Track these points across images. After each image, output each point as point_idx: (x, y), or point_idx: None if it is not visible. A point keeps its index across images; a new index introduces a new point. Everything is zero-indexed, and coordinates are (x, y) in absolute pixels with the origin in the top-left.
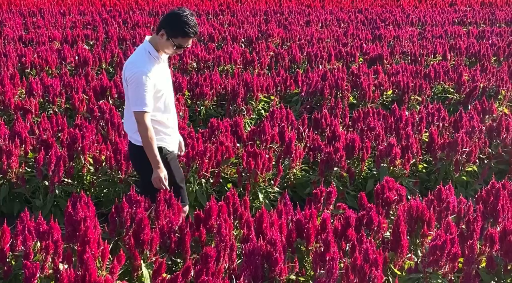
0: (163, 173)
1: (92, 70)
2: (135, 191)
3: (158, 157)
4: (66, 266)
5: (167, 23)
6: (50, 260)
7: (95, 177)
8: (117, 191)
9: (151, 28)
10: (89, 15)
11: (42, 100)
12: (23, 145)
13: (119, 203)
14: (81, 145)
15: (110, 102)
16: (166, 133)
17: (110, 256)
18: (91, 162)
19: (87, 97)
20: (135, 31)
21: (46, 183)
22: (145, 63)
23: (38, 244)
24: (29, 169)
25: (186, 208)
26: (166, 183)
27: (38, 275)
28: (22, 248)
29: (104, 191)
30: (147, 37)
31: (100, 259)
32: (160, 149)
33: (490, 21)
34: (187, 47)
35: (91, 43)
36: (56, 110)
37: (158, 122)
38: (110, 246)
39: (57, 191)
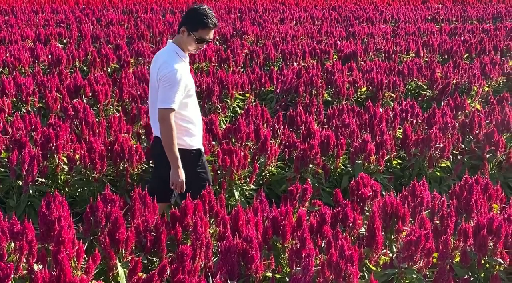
0: (184, 175)
1: (65, 68)
2: (148, 188)
3: (179, 157)
4: (40, 267)
5: (186, 19)
6: (25, 261)
7: (69, 176)
8: (92, 191)
9: (125, 26)
10: (62, 13)
11: (15, 99)
12: None
13: (94, 203)
14: (55, 144)
15: (84, 100)
16: (199, 133)
17: (85, 255)
18: (65, 161)
19: (61, 96)
20: (109, 29)
21: (20, 183)
22: (177, 63)
23: (12, 244)
24: (2, 169)
25: None
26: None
27: (12, 276)
28: None
29: (79, 190)
30: (169, 40)
31: (75, 259)
32: (199, 151)
33: (462, 18)
34: (209, 40)
35: (65, 41)
36: (29, 109)
37: (190, 122)
38: (85, 246)
39: (31, 191)
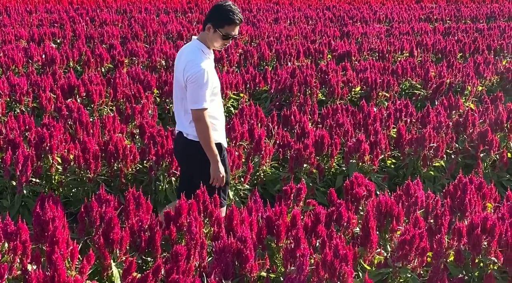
0: (223, 169)
1: (59, 68)
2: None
3: (217, 153)
4: (34, 267)
5: (212, 16)
6: (18, 261)
7: (63, 176)
8: (86, 191)
9: (119, 26)
10: (56, 13)
11: (8, 99)
12: None
13: (88, 203)
14: (49, 144)
15: (78, 100)
16: (221, 128)
17: (79, 256)
18: (59, 161)
19: (55, 96)
20: (102, 29)
21: (14, 183)
22: (203, 62)
23: (6, 245)
24: None
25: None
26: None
27: (6, 277)
28: None
29: (73, 190)
30: (194, 37)
31: (69, 259)
32: (220, 145)
33: (455, 18)
34: (234, 36)
35: (58, 41)
36: (23, 109)
37: (215, 118)
38: (80, 246)
39: (25, 191)
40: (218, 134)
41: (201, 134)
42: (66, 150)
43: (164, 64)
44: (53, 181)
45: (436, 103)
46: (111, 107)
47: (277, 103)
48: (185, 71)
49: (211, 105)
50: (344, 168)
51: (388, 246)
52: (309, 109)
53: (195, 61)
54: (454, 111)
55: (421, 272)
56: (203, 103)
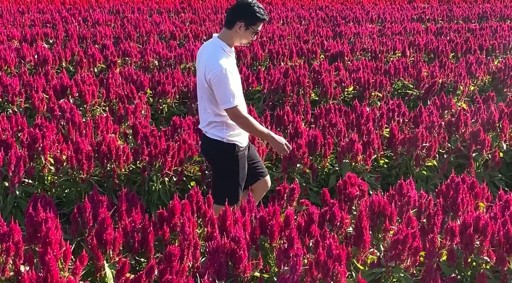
0: (283, 140)
1: (52, 69)
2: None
3: (269, 131)
4: (27, 268)
5: (242, 14)
6: (11, 262)
7: (56, 177)
8: (79, 191)
9: (111, 26)
10: (49, 13)
11: (1, 99)
12: None
13: (81, 203)
14: (41, 145)
15: (71, 101)
16: (239, 128)
17: (72, 257)
18: (52, 162)
19: (47, 96)
20: (95, 29)
21: (6, 184)
22: (223, 60)
23: None
24: None
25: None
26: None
27: None
28: None
29: (66, 191)
30: (215, 35)
31: (62, 260)
32: (234, 145)
33: (448, 18)
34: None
35: (51, 41)
36: (16, 110)
37: None
38: (73, 247)
39: (17, 192)
40: (234, 135)
41: (247, 128)
42: (58, 151)
43: (157, 64)
44: (46, 182)
45: (429, 103)
46: (104, 108)
47: (270, 103)
48: (206, 72)
49: None
50: (337, 168)
51: (381, 246)
52: (302, 109)
53: (215, 61)
54: (446, 111)
55: (414, 272)
56: (233, 102)
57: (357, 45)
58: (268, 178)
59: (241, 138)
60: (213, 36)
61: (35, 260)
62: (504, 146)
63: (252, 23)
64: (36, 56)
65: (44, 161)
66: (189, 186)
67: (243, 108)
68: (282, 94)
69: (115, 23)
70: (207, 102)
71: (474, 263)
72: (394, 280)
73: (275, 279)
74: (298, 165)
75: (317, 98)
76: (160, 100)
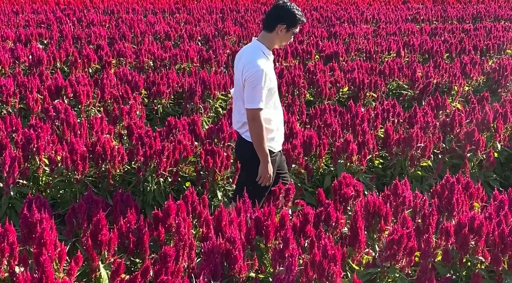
0: (271, 170)
1: (46, 69)
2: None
3: (268, 153)
4: (22, 269)
5: (283, 17)
6: (6, 263)
7: (51, 178)
8: (74, 192)
9: (106, 26)
10: (43, 13)
11: None
12: None
13: (76, 204)
14: (36, 145)
15: (66, 101)
16: (274, 131)
17: (67, 257)
18: (47, 162)
19: (42, 97)
20: (90, 29)
21: (1, 184)
22: (262, 62)
23: None
24: None
25: None
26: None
27: None
28: None
29: (61, 192)
30: (254, 38)
31: (57, 261)
32: (268, 151)
33: (442, 18)
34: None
35: (45, 42)
36: (10, 111)
37: (269, 120)
38: (68, 248)
39: (12, 193)
40: (269, 139)
41: (254, 133)
42: (53, 151)
43: (151, 64)
44: (41, 183)
45: (423, 103)
46: (98, 108)
47: None
48: (244, 71)
49: (266, 107)
50: (332, 168)
51: (376, 246)
52: (297, 110)
53: (254, 61)
54: (441, 111)
55: (409, 272)
56: (259, 103)
57: (352, 46)
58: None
59: (275, 143)
60: (252, 40)
61: (30, 261)
62: (499, 146)
63: (293, 25)
64: (30, 57)
65: (38, 162)
66: (184, 186)
67: (270, 113)
68: None
69: (109, 23)
70: (243, 104)
71: (469, 263)
72: (389, 280)
73: (271, 280)
74: (293, 165)
75: (312, 99)
76: (155, 101)
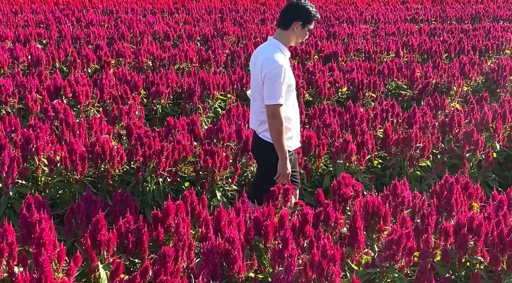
0: (290, 168)
1: (45, 69)
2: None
3: (287, 150)
4: (21, 269)
5: (298, 14)
6: (5, 263)
7: (50, 178)
8: (73, 192)
9: (105, 26)
10: (42, 13)
11: None
12: None
13: (75, 204)
14: (35, 145)
15: (65, 101)
16: (292, 130)
17: (66, 258)
18: (46, 163)
19: (41, 97)
20: (89, 29)
21: (0, 185)
22: (280, 57)
23: None
24: None
25: None
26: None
27: None
28: None
29: (60, 192)
30: (271, 37)
31: (56, 261)
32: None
33: (441, 19)
34: None
35: (44, 42)
36: (9, 111)
37: (287, 118)
38: (67, 248)
39: (11, 193)
40: (286, 138)
41: (274, 129)
42: (52, 152)
43: (150, 64)
44: (40, 183)
45: (422, 103)
46: (97, 108)
47: None
48: (263, 68)
49: (285, 103)
50: (331, 169)
51: (375, 246)
52: None
53: (273, 58)
54: (440, 112)
55: (408, 272)
56: (278, 99)
57: (351, 46)
58: (298, 191)
59: (291, 142)
60: (268, 38)
61: (29, 261)
62: (498, 146)
63: (309, 21)
64: (29, 57)
65: (37, 162)
66: (183, 186)
67: (289, 111)
68: None
69: (108, 23)
70: (262, 102)
71: (468, 263)
72: (388, 280)
73: (270, 280)
74: None
75: (311, 99)
76: (154, 101)
